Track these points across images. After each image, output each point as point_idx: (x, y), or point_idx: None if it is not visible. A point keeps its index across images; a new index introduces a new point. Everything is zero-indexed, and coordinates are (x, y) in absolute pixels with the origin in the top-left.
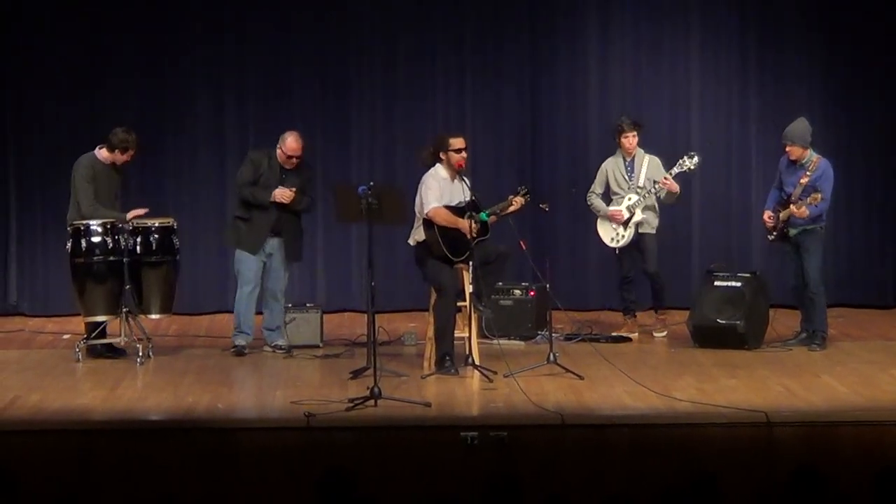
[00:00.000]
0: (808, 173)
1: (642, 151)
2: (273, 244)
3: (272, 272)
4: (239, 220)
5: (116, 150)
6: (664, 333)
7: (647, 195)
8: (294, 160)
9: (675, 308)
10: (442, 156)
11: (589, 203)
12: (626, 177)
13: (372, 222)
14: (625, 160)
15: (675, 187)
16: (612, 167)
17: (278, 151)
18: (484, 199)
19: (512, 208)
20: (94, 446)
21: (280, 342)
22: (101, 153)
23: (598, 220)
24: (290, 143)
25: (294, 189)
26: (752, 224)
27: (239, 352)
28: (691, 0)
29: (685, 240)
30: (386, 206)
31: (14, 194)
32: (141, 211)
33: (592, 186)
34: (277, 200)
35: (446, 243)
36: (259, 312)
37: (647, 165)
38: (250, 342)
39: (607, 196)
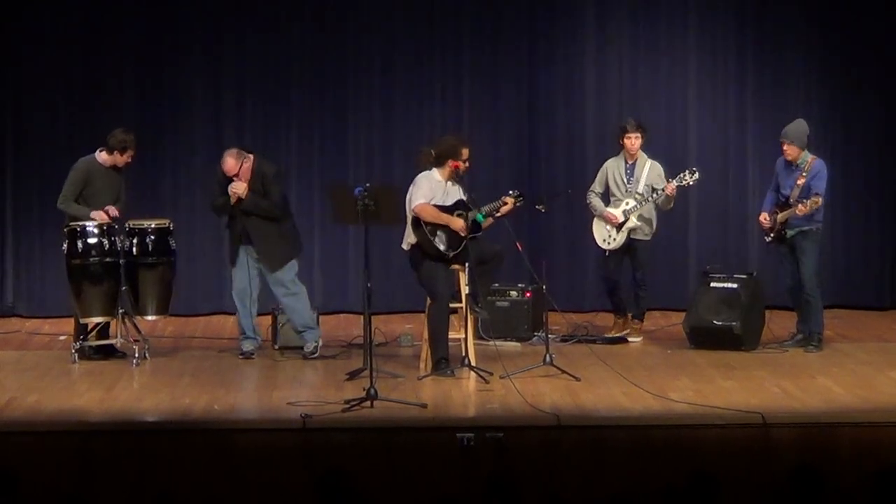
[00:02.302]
0: (803, 174)
1: (645, 156)
2: (251, 252)
3: (268, 278)
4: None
5: (115, 152)
6: (639, 339)
7: (644, 202)
8: (235, 178)
9: (672, 309)
10: (451, 163)
11: (588, 201)
12: (626, 179)
13: (368, 224)
14: (626, 162)
15: (673, 192)
16: (612, 168)
17: None
18: (479, 200)
19: (505, 209)
20: (91, 447)
21: (309, 346)
22: (101, 156)
23: (595, 220)
24: (225, 166)
25: (244, 181)
26: (748, 225)
27: (246, 357)
28: (689, 1)
29: (682, 241)
30: (382, 207)
31: (11, 195)
32: (107, 213)
33: (593, 185)
34: (233, 195)
35: (438, 240)
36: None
37: (648, 171)
38: (259, 345)
39: (607, 197)
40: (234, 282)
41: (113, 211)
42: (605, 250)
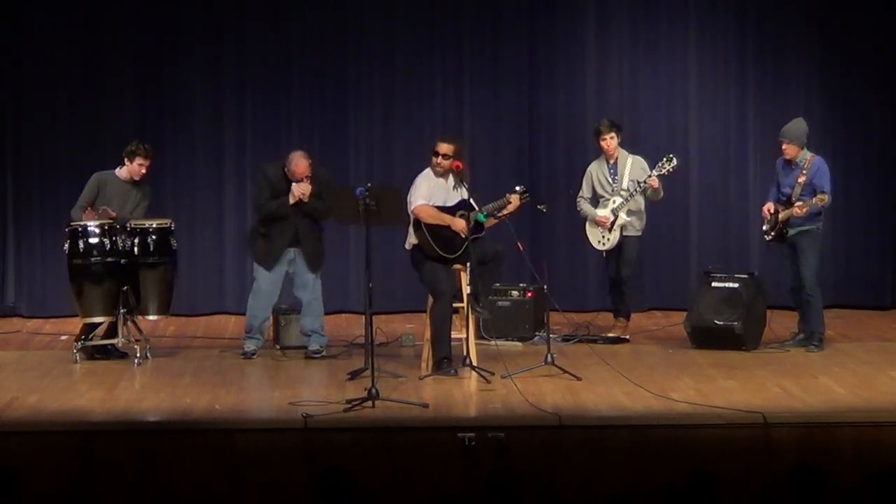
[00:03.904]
0: (804, 172)
1: (625, 153)
2: (294, 253)
3: (298, 280)
4: (259, 234)
5: (125, 159)
6: (626, 338)
7: (630, 197)
8: (304, 180)
9: (673, 309)
10: (451, 164)
11: (578, 208)
12: (610, 179)
13: (370, 224)
14: (608, 163)
15: (657, 184)
16: (595, 171)
17: (287, 171)
18: (481, 200)
19: (510, 207)
20: (92, 447)
21: (314, 346)
22: (120, 171)
23: (587, 223)
24: (299, 168)
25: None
26: (749, 225)
27: (247, 356)
28: (689, 1)
29: (683, 241)
30: (384, 207)
31: (12, 195)
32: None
33: (581, 191)
34: (297, 198)
35: (438, 242)
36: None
37: (631, 167)
38: (261, 346)
39: (595, 199)
40: (263, 281)
41: (105, 213)
42: (602, 251)
